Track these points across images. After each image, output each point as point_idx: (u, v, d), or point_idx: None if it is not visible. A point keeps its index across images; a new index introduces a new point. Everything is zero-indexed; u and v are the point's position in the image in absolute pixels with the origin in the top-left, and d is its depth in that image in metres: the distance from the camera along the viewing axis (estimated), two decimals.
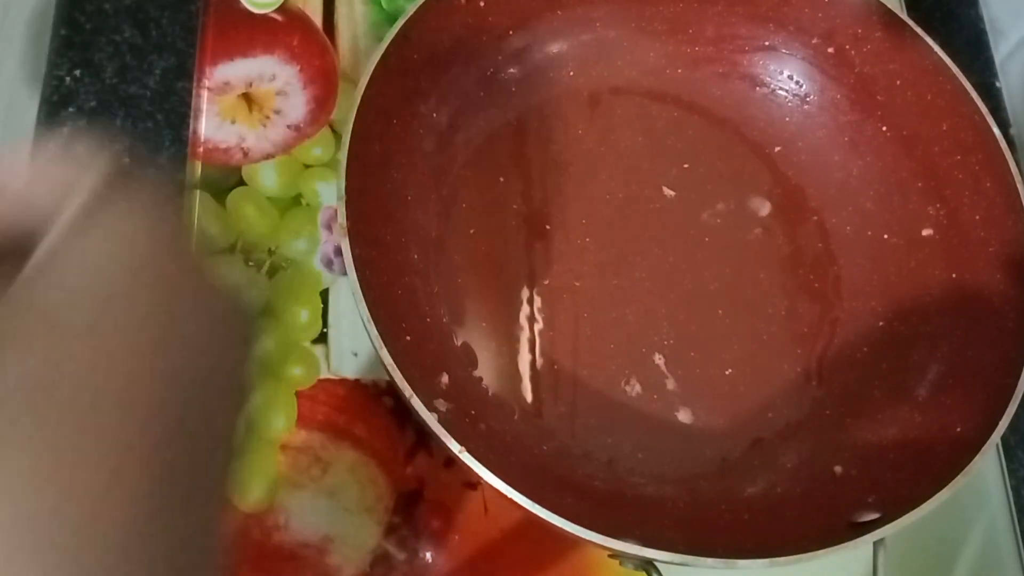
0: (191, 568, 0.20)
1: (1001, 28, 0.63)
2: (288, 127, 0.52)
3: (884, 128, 0.50)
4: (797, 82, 0.52)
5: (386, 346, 0.37)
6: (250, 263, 0.49)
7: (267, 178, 0.51)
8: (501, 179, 0.50)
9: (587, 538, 0.35)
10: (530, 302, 0.48)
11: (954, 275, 0.46)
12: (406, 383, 0.37)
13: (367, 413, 0.47)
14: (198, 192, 0.50)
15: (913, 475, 0.40)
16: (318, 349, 0.48)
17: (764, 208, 0.51)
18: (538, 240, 0.49)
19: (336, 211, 0.40)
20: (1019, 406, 0.40)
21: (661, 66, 0.52)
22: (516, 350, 0.46)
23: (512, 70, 0.51)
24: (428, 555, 0.45)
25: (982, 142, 0.45)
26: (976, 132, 0.46)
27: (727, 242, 0.51)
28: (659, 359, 0.47)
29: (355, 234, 0.39)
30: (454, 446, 0.36)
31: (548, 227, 0.50)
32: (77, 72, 0.52)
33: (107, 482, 0.18)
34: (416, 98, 0.47)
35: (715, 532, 0.42)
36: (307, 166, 0.52)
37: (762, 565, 0.36)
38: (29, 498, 0.17)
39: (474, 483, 0.46)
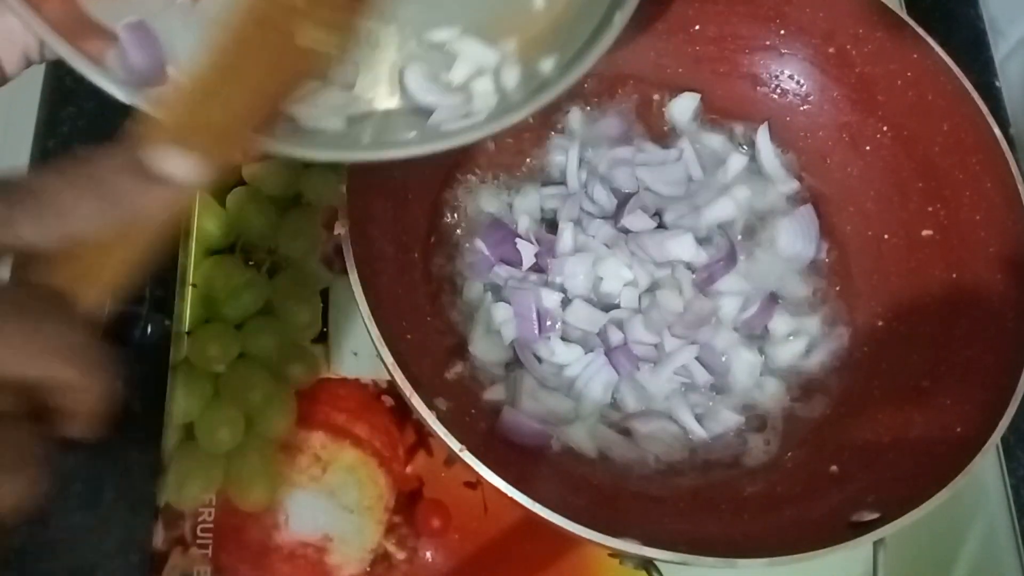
0: None
1: (1001, 28, 0.63)
2: None
3: (884, 128, 0.50)
4: (798, 82, 0.52)
5: (387, 345, 0.37)
6: (250, 263, 0.49)
7: (267, 178, 0.51)
8: (502, 177, 0.50)
9: (587, 537, 0.35)
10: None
11: (954, 275, 0.46)
12: (407, 382, 0.37)
13: (367, 413, 0.47)
14: (198, 192, 0.50)
15: (913, 475, 0.40)
16: (318, 349, 0.48)
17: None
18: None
19: (336, 211, 0.40)
20: (1019, 406, 0.40)
21: (663, 64, 0.52)
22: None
23: None
24: (428, 555, 0.45)
25: (982, 142, 0.45)
26: (976, 132, 0.46)
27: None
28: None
29: (355, 234, 0.39)
30: (454, 444, 0.36)
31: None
32: (77, 72, 0.52)
33: None
34: None
35: (715, 532, 0.42)
36: (307, 166, 0.51)
37: (762, 565, 0.36)
38: None
39: (474, 482, 0.46)
